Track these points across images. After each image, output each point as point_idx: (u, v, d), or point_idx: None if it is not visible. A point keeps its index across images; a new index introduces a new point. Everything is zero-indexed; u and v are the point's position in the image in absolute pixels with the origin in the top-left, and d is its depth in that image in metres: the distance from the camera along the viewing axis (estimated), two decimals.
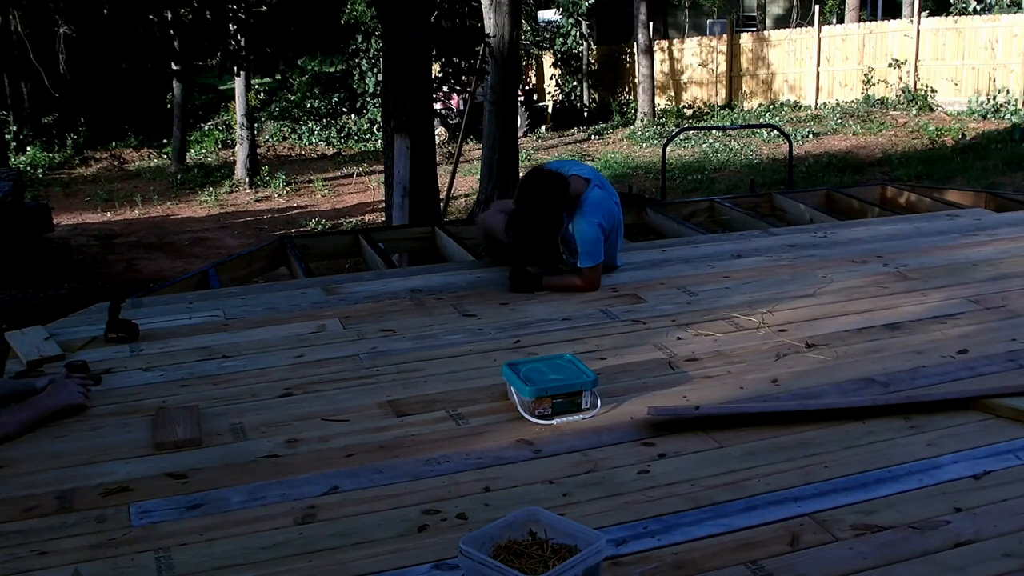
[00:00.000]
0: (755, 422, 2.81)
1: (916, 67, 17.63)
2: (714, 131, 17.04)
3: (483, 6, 11.10)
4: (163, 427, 2.88)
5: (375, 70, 19.15)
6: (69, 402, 3.04)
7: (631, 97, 22.10)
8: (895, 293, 4.12)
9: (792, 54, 19.92)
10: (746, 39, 21.07)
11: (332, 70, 21.94)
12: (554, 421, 2.88)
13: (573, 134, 20.57)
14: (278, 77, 21.63)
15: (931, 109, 17.12)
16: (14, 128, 18.57)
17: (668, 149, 10.89)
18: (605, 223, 4.29)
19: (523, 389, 2.90)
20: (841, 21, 22.35)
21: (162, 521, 2.35)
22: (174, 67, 10.44)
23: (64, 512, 2.41)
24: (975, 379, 3.11)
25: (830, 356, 3.38)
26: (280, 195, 15.24)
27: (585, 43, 22.91)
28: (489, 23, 10.96)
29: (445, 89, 10.14)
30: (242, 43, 8.97)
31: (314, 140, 20.59)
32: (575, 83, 22.98)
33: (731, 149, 15.91)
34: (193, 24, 8.79)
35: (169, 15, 8.72)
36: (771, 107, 19.70)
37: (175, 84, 17.13)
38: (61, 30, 16.14)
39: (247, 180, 16.02)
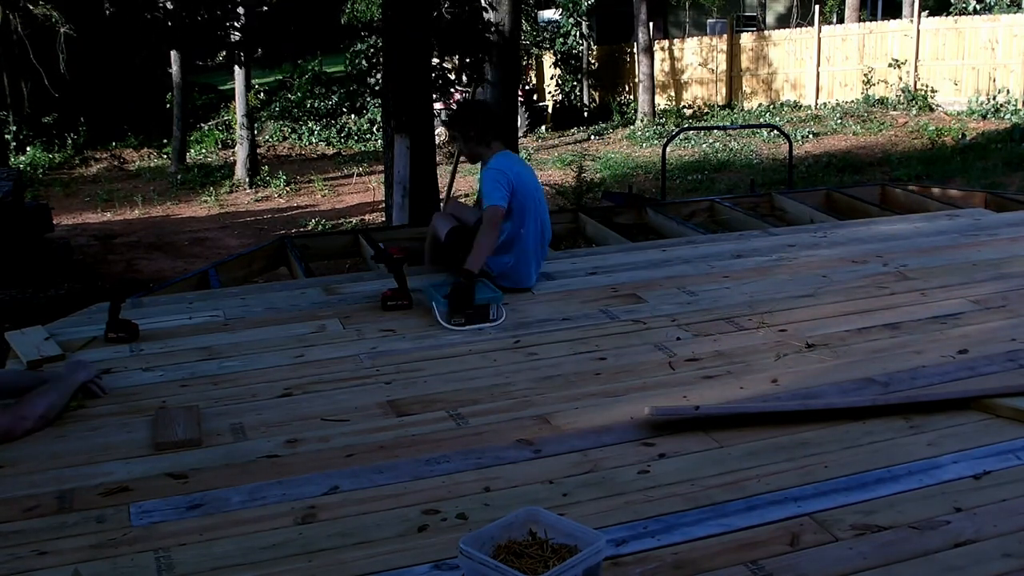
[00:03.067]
0: (755, 422, 2.82)
1: (916, 67, 17.63)
2: (714, 131, 17.04)
3: (483, 5, 11.08)
4: (163, 427, 2.88)
5: (375, 70, 19.14)
6: (89, 377, 3.16)
7: (631, 97, 22.09)
8: (895, 293, 4.13)
9: (792, 54, 19.93)
10: (747, 39, 21.08)
11: (333, 70, 21.94)
12: (469, 327, 3.75)
13: (573, 134, 20.56)
14: (279, 77, 21.67)
15: (931, 109, 17.12)
16: (14, 128, 18.56)
17: (668, 149, 10.89)
18: (507, 171, 4.25)
19: (440, 301, 3.79)
20: (841, 21, 22.34)
21: (162, 521, 2.35)
22: (174, 66, 10.44)
23: (64, 512, 2.41)
24: (975, 379, 3.11)
25: (830, 356, 3.38)
26: (280, 195, 15.23)
27: (585, 43, 22.90)
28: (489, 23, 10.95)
29: (456, 87, 10.07)
30: (242, 42, 8.98)
31: (314, 140, 20.58)
32: (575, 83, 22.97)
33: (731, 149, 15.91)
34: (194, 23, 8.79)
35: (170, 4, 8.72)
36: (771, 107, 19.70)
37: (174, 84, 17.11)
38: (62, 30, 16.14)
39: (247, 180, 16.01)
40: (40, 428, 2.92)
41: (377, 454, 2.70)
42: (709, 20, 24.23)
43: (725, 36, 21.28)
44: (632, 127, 19.83)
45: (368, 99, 20.56)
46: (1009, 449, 2.61)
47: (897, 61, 17.77)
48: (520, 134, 16.17)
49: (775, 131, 14.81)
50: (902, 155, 14.05)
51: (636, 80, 21.18)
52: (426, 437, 2.81)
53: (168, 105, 18.40)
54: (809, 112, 18.71)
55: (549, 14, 23.40)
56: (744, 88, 20.82)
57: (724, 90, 21.11)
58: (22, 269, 7.59)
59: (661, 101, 21.50)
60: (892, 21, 19.41)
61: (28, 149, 18.70)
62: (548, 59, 23.05)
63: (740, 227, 5.85)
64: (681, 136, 16.75)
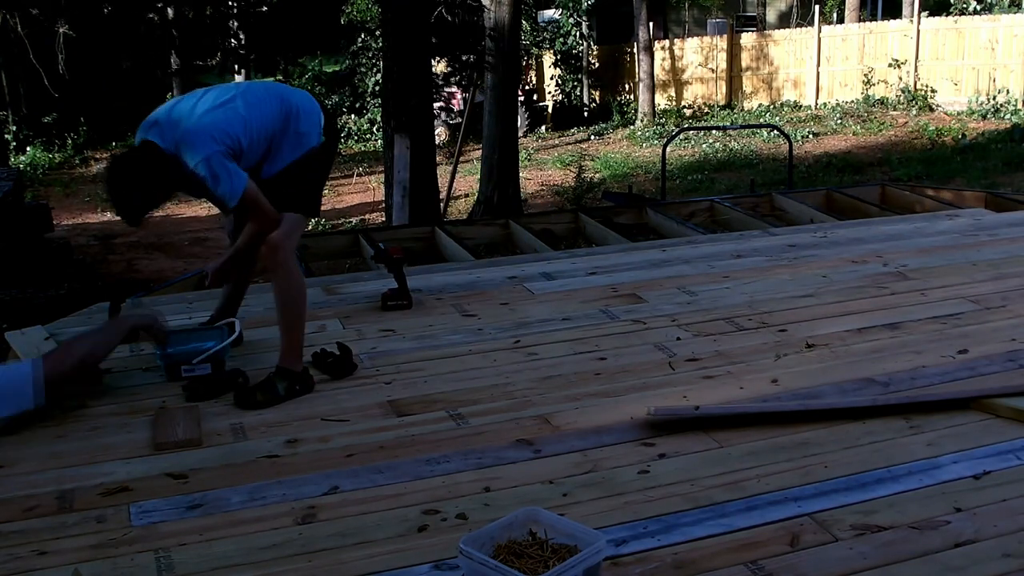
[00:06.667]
0: (755, 422, 2.82)
1: (916, 67, 17.62)
2: (714, 131, 17.03)
3: (483, 4, 11.09)
4: (163, 427, 2.88)
5: (375, 70, 19.13)
6: (142, 322, 3.21)
7: (631, 97, 22.06)
8: (895, 293, 4.12)
9: (792, 54, 19.92)
10: (747, 38, 21.06)
11: (333, 70, 21.93)
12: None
13: (573, 134, 20.54)
14: (279, 77, 21.64)
15: (931, 109, 17.11)
16: (14, 128, 18.55)
17: (668, 149, 10.88)
18: (220, 146, 3.06)
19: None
20: (841, 21, 22.32)
21: (162, 521, 2.36)
22: (174, 67, 10.45)
23: (64, 512, 2.41)
24: (975, 379, 3.11)
25: (830, 356, 3.38)
26: None
27: (585, 42, 22.88)
28: (489, 22, 10.96)
29: (452, 89, 10.11)
30: (243, 41, 8.99)
31: None
32: (575, 83, 22.94)
33: (731, 149, 15.90)
34: (194, 23, 8.80)
35: (171, 13, 8.73)
36: (771, 107, 19.69)
37: (175, 85, 17.10)
38: (61, 30, 16.14)
39: None
40: (79, 376, 2.90)
41: (377, 454, 2.70)
42: (710, 19, 24.20)
43: (725, 35, 21.27)
44: (632, 127, 19.81)
45: (368, 99, 20.54)
46: (1009, 449, 2.61)
47: (897, 61, 17.77)
48: (520, 134, 16.15)
49: (775, 131, 14.80)
50: (902, 155, 14.04)
51: (636, 80, 21.16)
52: (426, 437, 2.81)
53: None
54: (809, 112, 18.70)
55: (549, 14, 23.37)
56: (744, 88, 20.81)
57: (724, 89, 21.10)
58: (22, 269, 7.58)
59: (661, 101, 21.48)
60: (892, 21, 19.40)
61: (28, 149, 18.69)
62: (548, 59, 23.02)
63: (740, 227, 5.85)
64: (681, 136, 16.74)
